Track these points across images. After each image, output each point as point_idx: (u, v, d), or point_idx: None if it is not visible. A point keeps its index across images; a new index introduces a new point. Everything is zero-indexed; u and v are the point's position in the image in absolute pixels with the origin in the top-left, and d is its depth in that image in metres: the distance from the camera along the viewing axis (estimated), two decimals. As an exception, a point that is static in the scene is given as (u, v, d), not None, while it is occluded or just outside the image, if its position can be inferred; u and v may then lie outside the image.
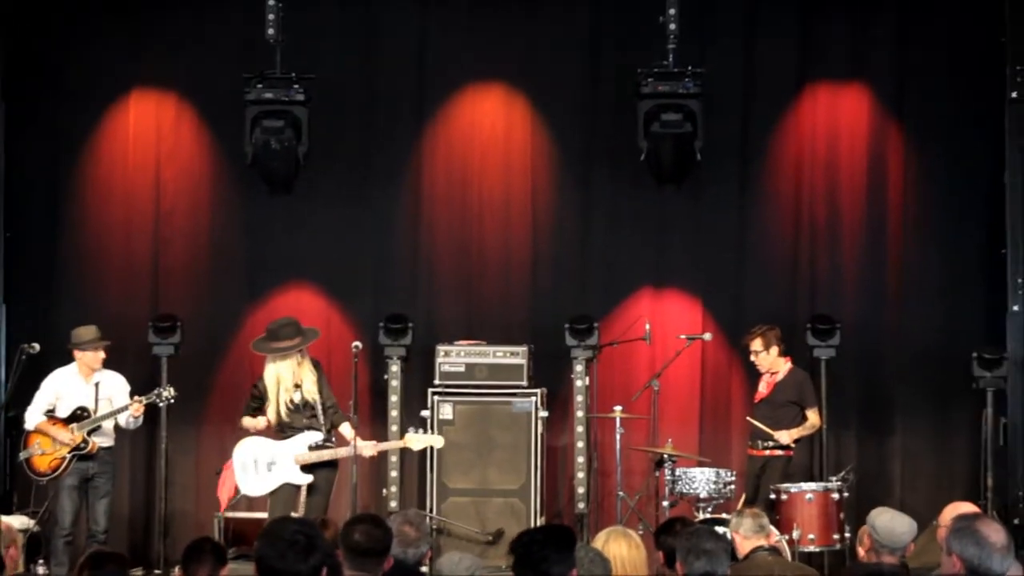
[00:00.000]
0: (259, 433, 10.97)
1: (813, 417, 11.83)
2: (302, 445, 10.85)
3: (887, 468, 12.89)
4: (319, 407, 10.88)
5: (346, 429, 10.94)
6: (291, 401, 10.87)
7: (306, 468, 10.85)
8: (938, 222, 13.01)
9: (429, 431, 11.57)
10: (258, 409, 10.98)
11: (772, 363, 11.88)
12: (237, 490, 11.16)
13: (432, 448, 11.97)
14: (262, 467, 10.92)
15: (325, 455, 10.84)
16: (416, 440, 11.13)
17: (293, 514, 10.60)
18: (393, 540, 6.46)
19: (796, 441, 11.77)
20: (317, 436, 10.86)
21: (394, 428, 12.24)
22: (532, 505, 12.06)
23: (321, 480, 10.90)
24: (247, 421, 10.99)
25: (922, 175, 13.05)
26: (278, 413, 10.84)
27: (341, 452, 10.87)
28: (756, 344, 11.88)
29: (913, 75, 13.08)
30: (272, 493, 10.89)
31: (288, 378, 10.86)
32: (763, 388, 11.95)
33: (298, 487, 10.90)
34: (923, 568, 8.18)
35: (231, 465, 11.13)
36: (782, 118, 13.13)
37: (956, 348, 12.61)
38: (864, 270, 13.02)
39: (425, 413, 12.03)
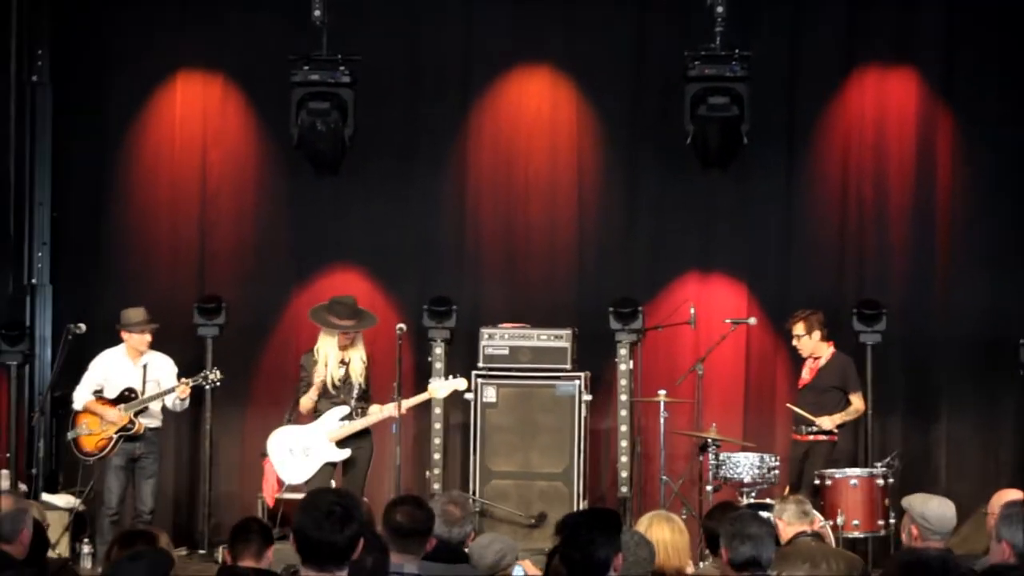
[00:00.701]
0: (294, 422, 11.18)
1: (857, 402, 11.78)
2: (332, 421, 10.98)
3: (933, 454, 12.82)
4: (356, 390, 10.99)
5: (374, 408, 11.06)
6: (335, 378, 10.99)
7: (341, 443, 10.96)
8: (986, 206, 12.92)
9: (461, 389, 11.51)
10: (311, 386, 11.12)
11: (814, 348, 11.83)
12: (281, 483, 11.25)
13: (475, 431, 12.04)
14: (299, 454, 11.05)
15: (357, 425, 11.00)
16: (440, 387, 11.25)
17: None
18: (437, 520, 6.48)
19: (840, 426, 11.72)
20: (344, 410, 10.97)
21: (437, 411, 12.27)
22: (575, 489, 12.04)
23: (357, 454, 11.03)
24: (305, 404, 11.12)
25: (971, 159, 12.95)
26: (321, 385, 10.97)
27: (371, 419, 11.02)
28: (798, 328, 11.83)
29: (961, 58, 12.97)
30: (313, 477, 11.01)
31: (334, 354, 10.99)
32: (806, 374, 11.90)
33: (334, 465, 11.00)
34: (969, 555, 8.14)
35: (269, 462, 11.26)
36: (829, 102, 13.06)
37: (1004, 333, 12.51)
38: (911, 255, 12.94)
39: (469, 396, 12.01)
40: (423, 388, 12.23)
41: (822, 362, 11.81)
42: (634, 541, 6.36)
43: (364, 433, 11.11)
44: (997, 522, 5.83)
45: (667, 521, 6.95)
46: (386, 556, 5.90)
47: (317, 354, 11.12)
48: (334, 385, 11.06)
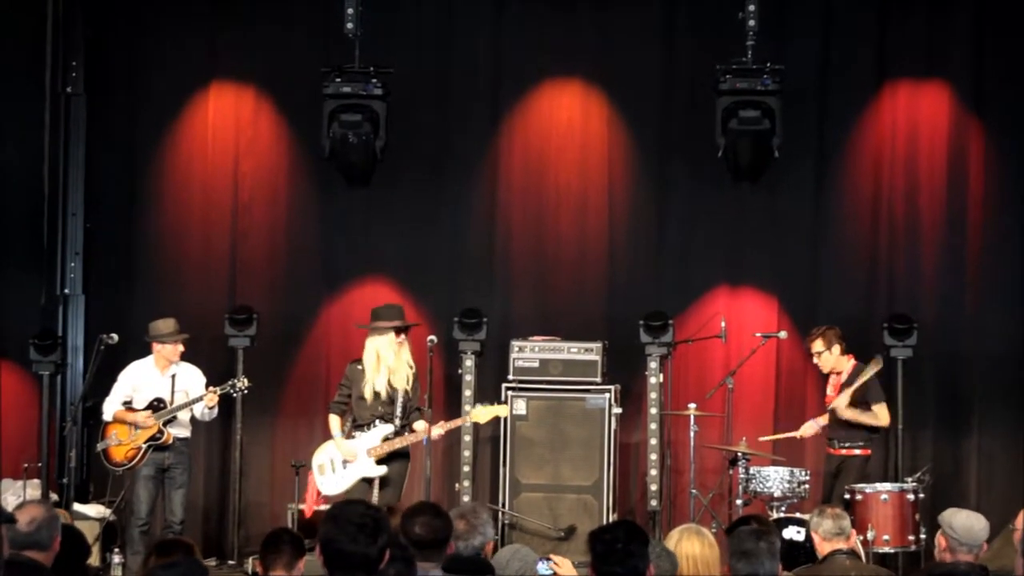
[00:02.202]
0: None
1: (878, 411, 11.64)
2: (375, 438, 10.96)
3: (964, 469, 12.76)
4: (400, 402, 10.96)
5: (419, 425, 11.02)
6: (377, 390, 10.96)
7: (380, 461, 10.94)
8: (1018, 220, 12.87)
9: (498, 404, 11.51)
10: (347, 405, 11.09)
11: (835, 363, 11.76)
12: (319, 494, 11.25)
13: (506, 443, 12.04)
14: (338, 466, 11.06)
15: (396, 444, 10.94)
16: (482, 413, 11.21)
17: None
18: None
19: (873, 434, 11.62)
20: (389, 428, 10.96)
21: (468, 423, 12.26)
22: (605, 502, 12.04)
23: (393, 472, 11.01)
24: (333, 424, 11.13)
25: (1003, 173, 12.91)
26: (364, 393, 10.97)
27: (410, 439, 10.98)
28: (817, 345, 11.76)
29: (993, 72, 12.93)
30: (347, 491, 11.00)
31: (388, 356, 10.94)
32: (831, 391, 11.81)
33: (370, 482, 10.99)
34: (1000, 571, 8.11)
35: (312, 473, 11.29)
36: (860, 115, 13.03)
37: (1035, 348, 12.49)
38: (943, 269, 12.89)
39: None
40: (453, 401, 12.27)
41: (844, 376, 11.75)
42: (655, 553, 6.37)
43: (401, 451, 11.10)
44: (1022, 538, 5.80)
45: (697, 535, 6.93)
46: (412, 567, 5.90)
47: (365, 363, 11.10)
48: (375, 394, 11.02)
